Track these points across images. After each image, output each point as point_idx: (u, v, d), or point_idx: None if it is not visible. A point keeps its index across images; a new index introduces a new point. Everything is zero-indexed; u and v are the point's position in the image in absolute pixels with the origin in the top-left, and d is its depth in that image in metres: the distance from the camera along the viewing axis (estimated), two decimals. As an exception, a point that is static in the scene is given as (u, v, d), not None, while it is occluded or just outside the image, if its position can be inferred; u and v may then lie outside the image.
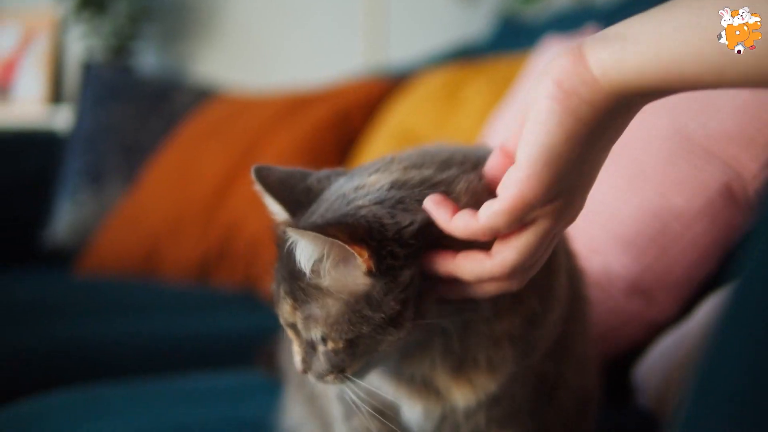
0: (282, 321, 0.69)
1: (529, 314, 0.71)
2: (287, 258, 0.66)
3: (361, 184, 0.69)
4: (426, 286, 0.65)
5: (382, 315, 0.63)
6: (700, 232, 1.11)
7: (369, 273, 0.63)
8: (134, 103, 2.51)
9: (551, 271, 0.73)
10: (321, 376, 0.68)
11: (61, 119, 2.90)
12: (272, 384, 1.14)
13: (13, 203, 2.48)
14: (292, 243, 0.64)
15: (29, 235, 2.42)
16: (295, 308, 0.66)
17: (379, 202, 0.66)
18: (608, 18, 1.54)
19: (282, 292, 0.67)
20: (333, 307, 0.64)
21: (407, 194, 0.67)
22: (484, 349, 0.71)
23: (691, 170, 1.13)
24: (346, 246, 0.62)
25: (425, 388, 0.73)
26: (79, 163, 2.42)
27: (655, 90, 0.58)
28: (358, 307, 0.64)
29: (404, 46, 2.69)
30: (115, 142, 2.44)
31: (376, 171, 0.70)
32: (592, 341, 0.94)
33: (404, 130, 1.85)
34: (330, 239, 0.61)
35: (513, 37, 2.02)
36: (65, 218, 2.36)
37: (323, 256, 0.63)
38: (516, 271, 0.64)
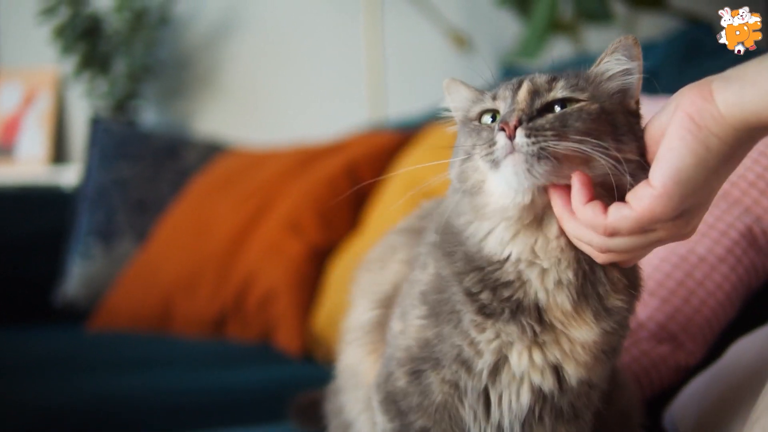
0: (523, 89, 0.80)
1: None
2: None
3: None
4: None
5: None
6: (723, 276, 1.14)
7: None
8: (143, 159, 2.52)
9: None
10: (538, 129, 0.75)
11: (64, 178, 2.91)
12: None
13: (26, 260, 2.47)
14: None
15: (43, 292, 2.41)
16: (556, 79, 0.81)
17: None
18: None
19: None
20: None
21: None
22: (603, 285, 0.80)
23: (713, 216, 1.16)
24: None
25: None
26: (90, 220, 2.42)
27: None
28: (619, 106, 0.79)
29: (405, 99, 2.73)
30: (125, 198, 2.45)
31: None
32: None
33: (416, 179, 1.86)
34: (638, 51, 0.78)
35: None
36: (78, 275, 2.36)
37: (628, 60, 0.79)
38: (612, 256, 0.76)
